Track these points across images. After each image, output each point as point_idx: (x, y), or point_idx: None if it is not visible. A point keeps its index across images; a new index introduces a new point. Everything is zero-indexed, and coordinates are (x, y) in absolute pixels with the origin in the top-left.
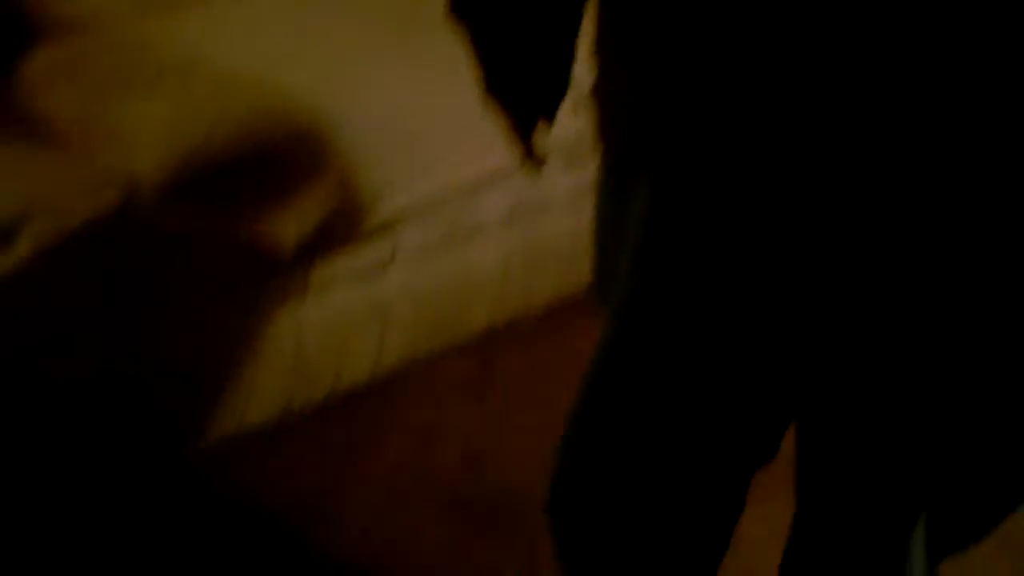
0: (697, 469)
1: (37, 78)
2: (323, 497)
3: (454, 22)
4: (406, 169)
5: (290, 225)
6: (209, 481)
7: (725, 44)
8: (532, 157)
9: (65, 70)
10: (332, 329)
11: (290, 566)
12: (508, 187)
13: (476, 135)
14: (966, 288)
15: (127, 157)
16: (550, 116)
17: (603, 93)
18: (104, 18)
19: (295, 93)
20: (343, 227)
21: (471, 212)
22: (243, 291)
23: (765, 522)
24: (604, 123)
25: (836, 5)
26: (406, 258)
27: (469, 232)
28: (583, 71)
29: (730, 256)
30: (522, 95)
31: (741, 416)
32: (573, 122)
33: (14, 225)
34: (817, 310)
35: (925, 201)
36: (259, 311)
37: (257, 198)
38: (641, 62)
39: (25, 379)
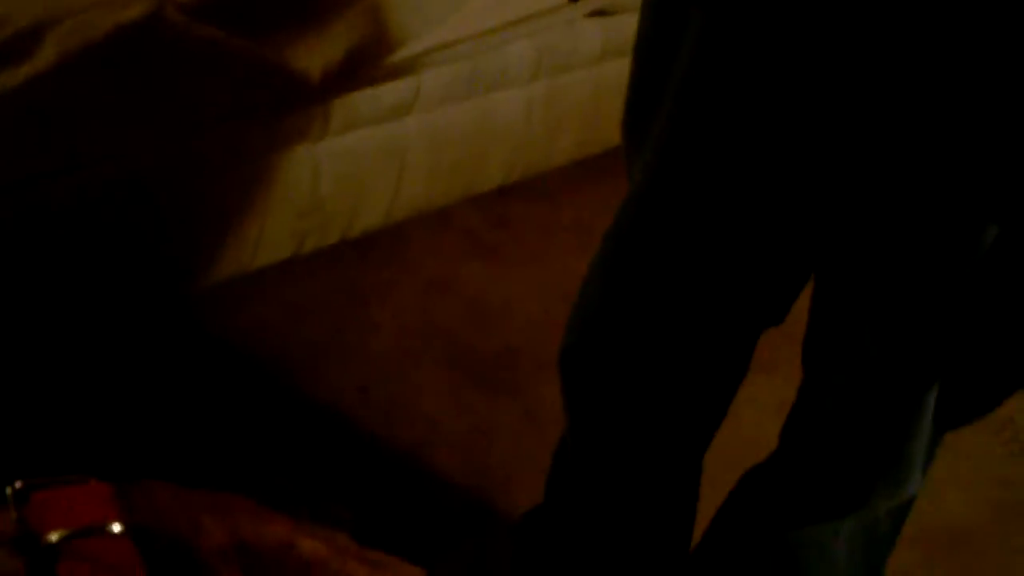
0: (712, 321)
1: None
2: (329, 342)
3: None
4: (435, 8)
5: (317, 54)
6: (213, 320)
7: None
8: None
9: None
10: (349, 170)
11: (293, 407)
12: (536, 37)
13: None
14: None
15: None
16: None
17: None
18: None
19: None
20: (369, 62)
21: (497, 60)
22: (265, 120)
23: (766, 393)
24: None
25: None
26: (428, 102)
27: (493, 80)
28: None
29: (777, 89)
30: None
31: (763, 268)
32: None
33: (39, 30)
34: (853, 157)
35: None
36: (278, 143)
37: (286, 24)
38: None
39: (35, 195)
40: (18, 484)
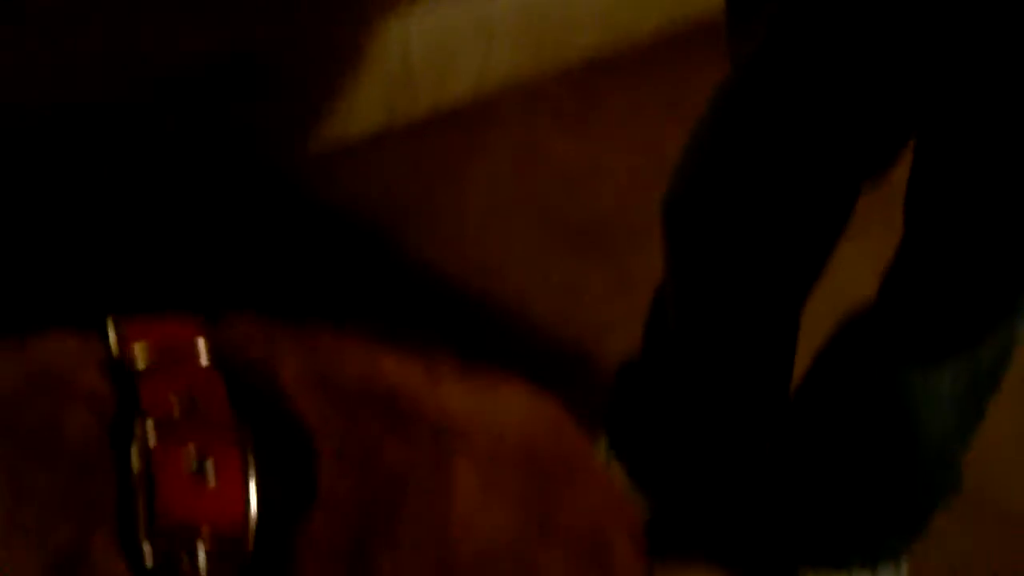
0: (817, 172)
1: None
2: (420, 207)
3: None
4: None
5: None
6: (307, 188)
7: None
8: None
9: None
10: (438, 42)
11: (383, 270)
12: None
13: None
14: None
15: None
16: None
17: None
18: None
19: None
20: None
21: None
22: None
23: (860, 254)
24: None
25: None
26: None
27: None
28: None
29: None
30: None
31: (869, 120)
32: None
33: None
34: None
35: None
36: (369, 16)
37: None
38: None
39: (136, 63)
40: (114, 317)
